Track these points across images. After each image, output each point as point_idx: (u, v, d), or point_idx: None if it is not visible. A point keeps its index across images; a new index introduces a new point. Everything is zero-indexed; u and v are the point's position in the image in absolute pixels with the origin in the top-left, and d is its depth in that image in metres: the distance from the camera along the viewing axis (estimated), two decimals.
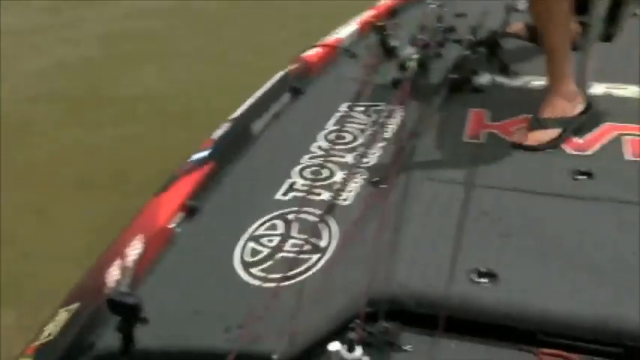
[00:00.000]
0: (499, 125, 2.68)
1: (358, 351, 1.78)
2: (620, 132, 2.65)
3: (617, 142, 2.60)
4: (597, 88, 2.89)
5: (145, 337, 1.82)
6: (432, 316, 1.84)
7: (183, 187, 2.41)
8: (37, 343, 1.88)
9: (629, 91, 2.90)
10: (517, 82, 2.97)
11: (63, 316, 1.95)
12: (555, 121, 2.52)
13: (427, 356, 1.86)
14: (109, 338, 1.86)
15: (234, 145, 2.67)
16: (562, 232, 2.02)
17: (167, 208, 2.33)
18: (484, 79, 2.88)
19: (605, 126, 2.67)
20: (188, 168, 2.50)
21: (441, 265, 1.93)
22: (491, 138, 2.58)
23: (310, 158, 2.56)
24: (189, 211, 2.34)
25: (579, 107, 2.59)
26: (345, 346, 1.79)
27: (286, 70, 3.12)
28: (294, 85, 3.00)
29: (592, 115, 2.71)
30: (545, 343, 1.80)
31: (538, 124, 2.51)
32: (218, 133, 2.68)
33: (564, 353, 1.81)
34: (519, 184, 2.38)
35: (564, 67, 2.60)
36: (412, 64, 2.84)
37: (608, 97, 2.82)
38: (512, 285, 1.94)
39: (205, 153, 2.56)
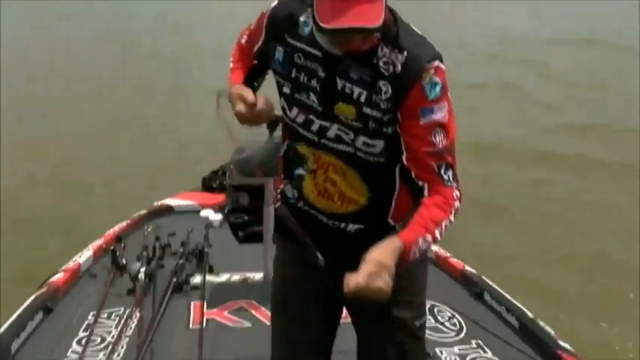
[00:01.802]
0: (215, 311, 3.18)
1: None
2: None
3: None
4: None
5: None
6: None
7: None
8: None
9: None
10: (221, 277, 3.52)
11: None
12: None
13: None
14: None
15: None
16: None
17: None
18: (197, 279, 3.39)
19: None
20: None
21: None
22: (210, 323, 3.03)
23: None
24: None
25: None
26: None
27: (34, 294, 3.28)
28: (47, 305, 3.20)
29: None
30: None
31: None
32: None
33: None
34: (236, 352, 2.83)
35: None
36: (141, 276, 3.28)
37: None
38: None
39: None
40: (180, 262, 3.49)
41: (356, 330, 2.10)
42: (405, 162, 1.83)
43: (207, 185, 4.81)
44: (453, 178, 1.82)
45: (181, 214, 4.39)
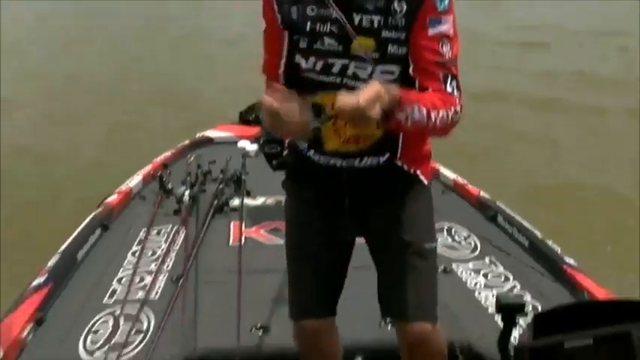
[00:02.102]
0: (253, 230, 3.32)
1: None
2: None
3: None
4: None
5: None
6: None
7: (30, 305, 2.70)
8: None
9: None
10: (258, 201, 3.67)
11: None
12: None
13: None
14: None
15: (65, 270, 3.00)
16: None
17: (18, 322, 2.59)
18: (235, 202, 3.53)
19: None
20: (30, 291, 2.79)
21: (230, 324, 2.39)
22: (248, 241, 3.14)
23: (123, 270, 3.02)
24: (37, 322, 2.63)
25: None
26: None
27: (93, 212, 3.51)
28: (104, 223, 3.41)
29: None
30: None
31: None
32: (50, 264, 3.00)
33: None
34: (270, 266, 2.88)
35: None
36: (185, 198, 3.46)
37: None
38: (279, 335, 2.46)
39: (42, 279, 2.86)
40: (220, 186, 3.62)
41: (374, 261, 2.11)
42: (411, 73, 1.82)
43: (244, 118, 4.93)
44: (456, 88, 1.81)
45: (220, 144, 4.53)
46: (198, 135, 4.76)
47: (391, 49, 1.80)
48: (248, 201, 3.60)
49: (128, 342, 2.49)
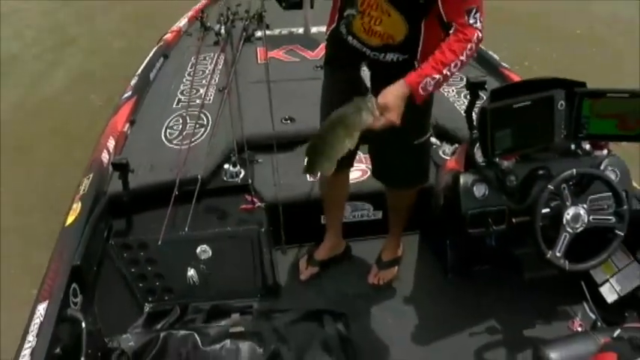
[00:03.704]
0: (274, 52, 3.38)
1: (236, 167, 2.51)
2: None
3: None
4: None
5: (133, 180, 2.31)
6: (269, 144, 2.52)
7: (125, 111, 2.86)
8: (80, 193, 2.26)
9: None
10: (275, 31, 3.71)
11: (85, 181, 2.37)
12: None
13: (270, 164, 2.51)
14: (116, 185, 2.33)
15: (143, 86, 3.12)
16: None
17: (120, 122, 2.77)
18: (259, 33, 3.56)
19: None
20: (123, 102, 2.94)
21: (266, 118, 2.48)
22: (271, 59, 3.18)
23: (183, 85, 3.11)
24: (131, 122, 2.82)
25: None
26: (230, 165, 2.53)
27: (156, 46, 3.57)
28: (165, 53, 3.49)
29: None
30: None
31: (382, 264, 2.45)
32: (132, 83, 3.13)
33: None
34: (290, 76, 3.03)
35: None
36: (222, 32, 3.46)
37: None
38: (303, 123, 2.62)
39: (129, 93, 3.01)
40: (247, 22, 3.60)
41: (370, 154, 2.16)
42: (439, 3, 1.68)
43: None
44: (479, 21, 1.67)
45: None
46: None
47: None
48: (268, 32, 3.61)
49: (195, 133, 2.62)
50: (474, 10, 1.66)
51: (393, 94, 1.66)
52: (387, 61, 1.83)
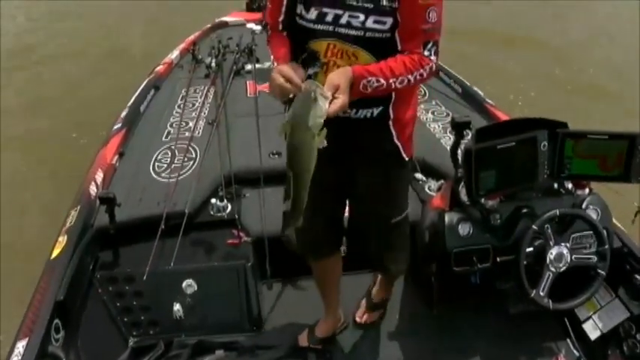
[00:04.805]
0: (264, 86, 3.10)
1: (224, 201, 2.46)
2: None
3: None
4: None
5: (120, 213, 2.28)
6: (256, 178, 2.49)
7: (115, 143, 2.85)
8: (67, 225, 2.26)
9: None
10: (265, 65, 3.50)
11: (73, 213, 2.34)
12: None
13: (257, 198, 2.48)
14: (103, 218, 2.29)
15: (133, 118, 3.11)
16: None
17: (109, 154, 2.76)
18: (249, 66, 3.49)
19: None
20: (113, 133, 2.93)
21: (254, 152, 2.44)
22: (261, 93, 3.03)
23: (173, 118, 3.10)
24: (120, 154, 2.79)
25: None
26: (217, 199, 2.48)
27: (148, 78, 3.58)
28: (156, 85, 3.49)
29: None
30: None
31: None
32: (122, 114, 3.12)
33: None
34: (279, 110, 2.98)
35: None
36: (212, 65, 3.28)
37: None
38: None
39: (119, 124, 3.01)
40: (237, 56, 3.38)
41: (350, 223, 2.03)
42: (397, 32, 1.59)
43: (250, 7, 4.82)
44: (434, 54, 1.60)
45: (234, 26, 4.40)
46: (217, 20, 4.65)
47: (384, 1, 1.56)
48: (258, 65, 3.44)
49: (183, 166, 2.60)
50: (431, 44, 1.60)
51: (341, 74, 1.50)
52: (359, 118, 1.68)
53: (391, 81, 1.55)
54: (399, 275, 2.25)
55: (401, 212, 1.92)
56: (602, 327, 2.23)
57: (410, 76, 1.57)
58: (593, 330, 2.26)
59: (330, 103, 1.45)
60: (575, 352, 2.24)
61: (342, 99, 1.47)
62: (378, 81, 1.55)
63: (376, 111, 1.69)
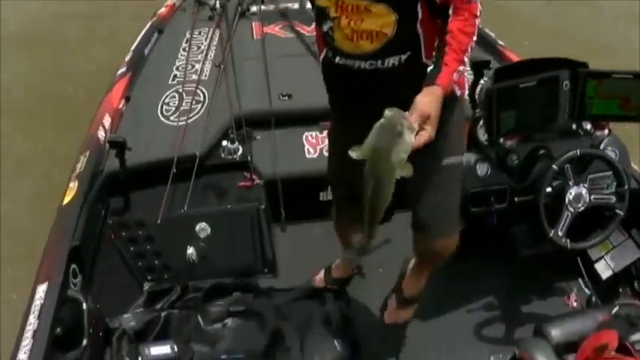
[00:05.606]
0: (270, 28, 3.23)
1: (235, 144, 2.42)
2: None
3: None
4: None
5: (130, 158, 2.20)
6: (266, 121, 2.45)
7: (120, 88, 2.74)
8: (77, 171, 2.19)
9: None
10: (270, 7, 3.50)
11: (82, 158, 2.25)
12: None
13: (267, 140, 2.44)
14: (112, 163, 2.22)
15: (138, 62, 2.98)
16: None
17: (115, 99, 2.66)
18: (254, 8, 3.31)
19: None
20: (117, 78, 2.82)
21: (263, 94, 2.37)
22: (267, 35, 3.02)
23: (179, 61, 2.97)
24: (127, 98, 2.69)
25: None
26: (228, 142, 2.43)
27: (151, 21, 3.42)
28: (159, 28, 3.34)
29: None
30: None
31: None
32: (126, 58, 3.00)
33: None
34: (286, 52, 2.86)
35: None
36: (217, 6, 3.07)
37: None
38: (300, 100, 2.55)
39: (124, 69, 2.89)
40: None
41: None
42: None
43: None
44: None
45: None
46: None
47: None
48: (263, 7, 3.45)
49: (192, 109, 2.52)
50: None
51: (432, 100, 1.36)
52: (389, 68, 1.49)
53: (465, 58, 1.45)
54: (440, 253, 1.77)
55: (460, 152, 1.68)
56: (614, 266, 2.22)
57: (474, 37, 1.46)
58: (605, 269, 2.25)
59: (417, 133, 1.33)
60: (586, 290, 2.25)
61: (429, 131, 1.36)
62: (458, 71, 1.45)
63: (403, 57, 1.50)
